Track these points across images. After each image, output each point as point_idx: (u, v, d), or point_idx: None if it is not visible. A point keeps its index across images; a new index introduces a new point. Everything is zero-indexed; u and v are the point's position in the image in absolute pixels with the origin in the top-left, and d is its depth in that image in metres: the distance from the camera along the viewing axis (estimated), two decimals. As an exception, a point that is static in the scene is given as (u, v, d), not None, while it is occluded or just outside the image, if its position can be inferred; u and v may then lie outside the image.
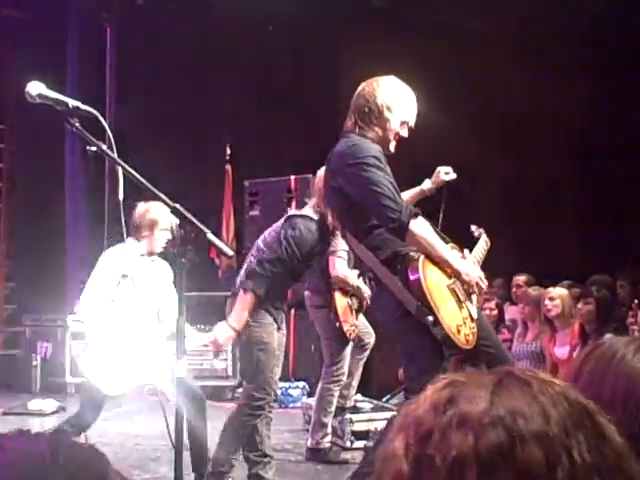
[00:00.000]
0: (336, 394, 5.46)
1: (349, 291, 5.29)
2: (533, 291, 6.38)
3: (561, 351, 5.60)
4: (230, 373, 8.63)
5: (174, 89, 9.31)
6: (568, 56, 10.61)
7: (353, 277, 5.22)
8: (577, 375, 1.25)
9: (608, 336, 4.91)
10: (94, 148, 2.15)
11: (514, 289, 7.38)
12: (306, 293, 5.68)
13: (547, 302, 5.67)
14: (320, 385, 5.49)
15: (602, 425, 0.78)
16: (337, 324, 5.20)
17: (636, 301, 4.77)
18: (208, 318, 8.73)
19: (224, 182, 9.51)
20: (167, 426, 2.38)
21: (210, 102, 10.18)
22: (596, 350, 1.28)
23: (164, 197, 2.10)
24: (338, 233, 5.27)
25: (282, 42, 9.56)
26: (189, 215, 2.09)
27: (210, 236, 2.13)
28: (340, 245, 5.24)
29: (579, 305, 5.11)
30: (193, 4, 9.18)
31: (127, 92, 9.40)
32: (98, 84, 9.46)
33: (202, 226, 2.10)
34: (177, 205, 2.09)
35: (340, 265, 5.21)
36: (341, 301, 5.25)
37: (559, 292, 5.65)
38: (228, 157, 9.38)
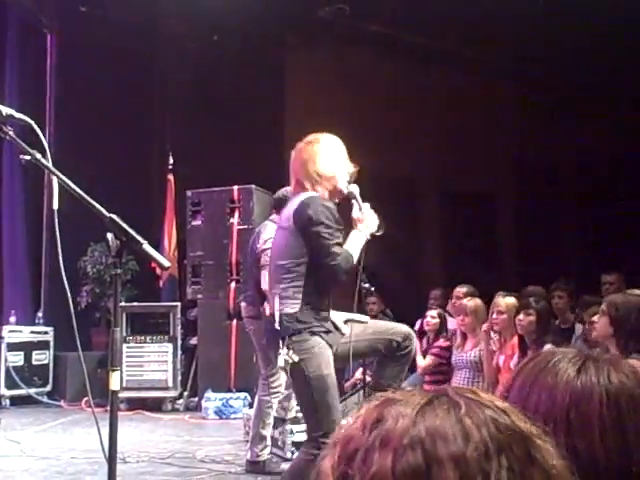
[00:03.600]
0: (274, 406, 5.44)
1: None
2: (469, 302, 6.47)
3: (501, 359, 5.71)
4: (170, 384, 8.54)
5: (116, 97, 9.21)
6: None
7: None
8: (510, 387, 1.23)
9: (548, 346, 5.02)
10: (28, 157, 2.11)
11: (454, 300, 7.46)
12: (242, 304, 5.68)
13: (495, 315, 5.76)
14: (257, 397, 5.47)
15: (536, 449, 0.76)
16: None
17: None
18: (148, 329, 8.65)
19: (166, 191, 9.43)
20: (100, 438, 2.33)
21: (153, 111, 10.10)
22: (531, 362, 1.26)
23: (99, 207, 2.07)
24: (270, 247, 5.29)
25: (227, 52, 9.55)
26: (125, 225, 2.07)
27: (146, 247, 2.11)
28: None
29: (520, 316, 5.18)
30: (137, 12, 9.11)
31: (68, 100, 9.26)
32: (38, 91, 9.31)
33: (138, 237, 2.07)
34: (113, 216, 2.07)
35: None
36: None
37: (508, 304, 5.73)
38: (171, 166, 9.30)
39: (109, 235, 2.07)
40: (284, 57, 10.26)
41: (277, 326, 3.59)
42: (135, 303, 8.80)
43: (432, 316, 6.94)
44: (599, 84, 10.06)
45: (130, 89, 9.35)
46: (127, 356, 8.39)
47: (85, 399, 8.53)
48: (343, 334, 3.77)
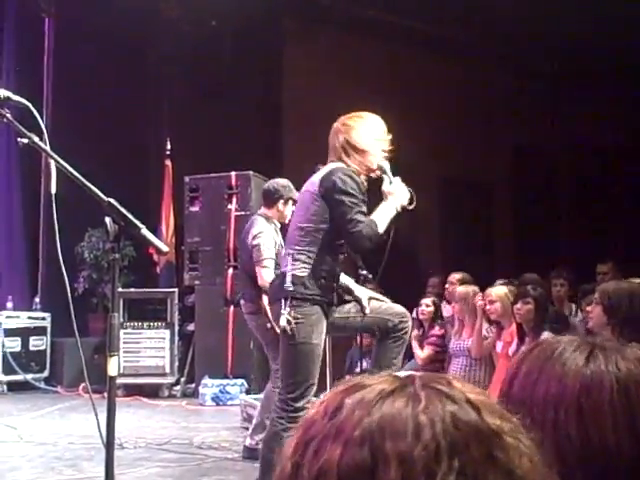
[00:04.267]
0: None
1: None
2: (459, 288, 6.48)
3: (498, 346, 5.72)
4: (167, 370, 8.55)
5: (114, 81, 9.16)
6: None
7: None
8: (514, 375, 1.21)
9: (546, 333, 5.03)
10: (25, 140, 2.09)
11: (448, 286, 7.47)
12: (241, 302, 5.66)
13: (488, 306, 5.76)
14: (268, 387, 5.45)
15: (500, 449, 0.71)
16: (269, 325, 5.19)
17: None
18: (145, 315, 8.65)
19: (164, 177, 9.40)
20: (98, 424, 2.32)
21: (151, 96, 10.06)
22: (535, 349, 1.24)
23: (98, 191, 2.05)
24: (261, 242, 5.28)
25: (225, 37, 9.50)
26: (124, 210, 2.05)
27: (144, 232, 2.09)
28: (265, 254, 5.23)
29: (518, 305, 5.18)
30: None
31: (65, 84, 9.21)
32: (35, 75, 9.26)
33: (137, 222, 2.05)
34: (111, 200, 2.05)
35: (267, 274, 5.21)
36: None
37: (498, 293, 5.74)
38: (168, 152, 9.26)
39: (107, 219, 2.04)
40: (282, 42, 10.21)
41: (286, 286, 3.63)
42: (132, 289, 8.78)
43: (426, 304, 6.92)
44: (599, 75, 10.04)
45: (128, 74, 9.30)
46: (124, 342, 8.38)
47: (82, 385, 8.54)
48: (365, 314, 3.82)
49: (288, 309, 3.61)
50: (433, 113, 10.54)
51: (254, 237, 5.31)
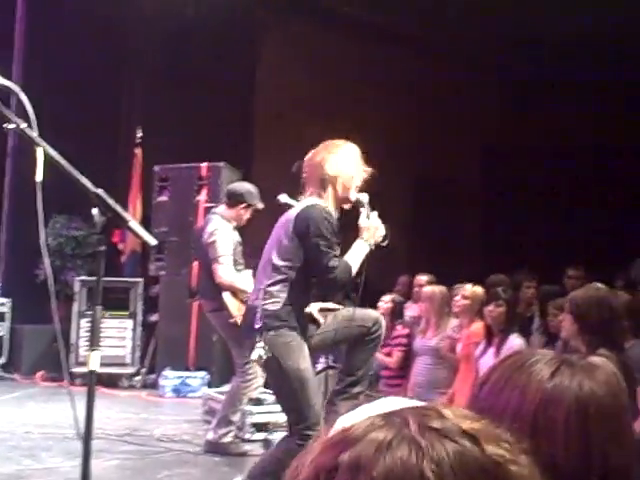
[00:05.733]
0: (248, 393, 5.40)
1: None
2: (426, 289, 6.53)
3: (459, 346, 5.77)
4: (128, 360, 8.46)
5: (85, 68, 9.01)
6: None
7: (240, 281, 5.19)
8: (485, 380, 1.22)
9: (514, 335, 5.08)
10: (12, 126, 2.04)
11: (416, 288, 7.52)
12: (202, 301, 5.63)
13: (458, 298, 5.80)
14: (233, 382, 5.43)
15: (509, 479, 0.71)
16: (232, 320, 5.17)
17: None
18: (108, 304, 8.53)
19: (132, 165, 9.28)
20: (75, 415, 2.28)
21: (122, 83, 9.93)
22: (510, 358, 1.25)
23: (86, 181, 2.01)
24: (217, 239, 5.25)
25: (198, 27, 9.41)
26: (111, 202, 2.01)
27: (132, 224, 2.06)
28: (220, 251, 5.21)
29: (490, 307, 5.21)
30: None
31: (35, 68, 9.04)
32: (4, 57, 9.06)
33: (124, 213, 2.02)
34: (100, 191, 2.01)
35: (223, 271, 5.19)
36: (232, 298, 5.20)
37: (475, 291, 5.78)
38: (139, 140, 9.15)
39: (94, 211, 2.01)
40: (255, 34, 10.15)
41: (259, 320, 3.60)
42: (95, 277, 8.66)
43: (385, 301, 6.94)
44: (568, 73, 10.15)
45: (99, 61, 9.16)
46: (85, 331, 8.28)
47: (40, 373, 8.41)
48: (319, 325, 3.79)
49: (262, 343, 3.56)
50: (402, 112, 10.58)
51: (210, 235, 5.29)
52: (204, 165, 8.21)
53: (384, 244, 3.72)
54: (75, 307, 8.40)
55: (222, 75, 9.37)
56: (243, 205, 5.40)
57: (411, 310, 7.39)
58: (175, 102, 9.26)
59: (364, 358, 3.90)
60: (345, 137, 3.86)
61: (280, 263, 3.66)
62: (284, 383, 3.61)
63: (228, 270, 5.19)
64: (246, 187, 5.55)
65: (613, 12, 8.40)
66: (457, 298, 5.81)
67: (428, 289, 6.44)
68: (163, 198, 8.39)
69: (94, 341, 2.13)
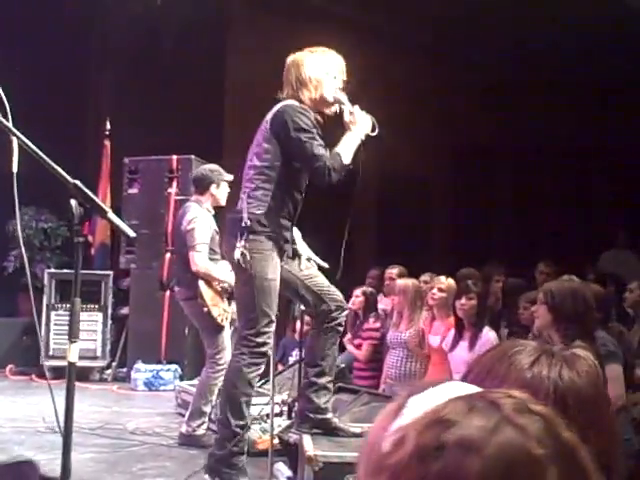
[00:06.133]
0: (219, 383, 5.40)
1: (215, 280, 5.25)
2: (399, 281, 6.54)
3: (434, 339, 5.78)
4: (99, 354, 8.40)
5: (52, 57, 8.89)
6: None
7: (215, 269, 5.18)
8: (469, 371, 1.23)
9: (486, 328, 5.13)
10: (-14, 116, 2.01)
11: (387, 282, 7.54)
12: (175, 288, 5.60)
13: (435, 291, 5.82)
14: (203, 373, 5.41)
15: (583, 462, 0.74)
16: (205, 309, 5.16)
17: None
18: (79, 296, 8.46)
19: (101, 157, 9.19)
20: (55, 409, 2.26)
21: (90, 74, 9.82)
22: (494, 349, 1.27)
23: (63, 172, 1.99)
24: (194, 227, 5.24)
25: (170, 18, 9.33)
26: (89, 193, 2.00)
27: (111, 215, 2.05)
28: (198, 239, 5.20)
29: (462, 300, 5.24)
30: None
31: (1, 54, 8.90)
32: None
33: (103, 205, 2.01)
34: (77, 182, 1.99)
35: (199, 259, 5.18)
36: (207, 288, 5.20)
37: (450, 284, 5.80)
38: (108, 132, 9.05)
39: (72, 202, 1.99)
40: (226, 26, 10.09)
41: (242, 222, 3.65)
42: (65, 270, 8.58)
43: (356, 295, 6.94)
44: (535, 69, 10.24)
45: (69, 51, 9.05)
46: (55, 324, 8.21)
47: (10, 367, 8.31)
48: (301, 269, 3.85)
49: (243, 242, 3.62)
50: (373, 108, 10.58)
51: (189, 222, 5.28)
52: (174, 157, 8.16)
53: (374, 133, 3.74)
54: (45, 300, 8.32)
55: (191, 66, 9.30)
56: (213, 185, 5.38)
57: (382, 303, 7.41)
58: (145, 94, 9.18)
59: (325, 347, 3.93)
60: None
61: (259, 164, 3.71)
62: (247, 287, 3.69)
63: (204, 258, 5.19)
64: (207, 168, 5.55)
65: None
66: (434, 291, 5.82)
67: (401, 282, 6.44)
68: (133, 190, 8.32)
69: (73, 333, 2.11)
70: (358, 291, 7.01)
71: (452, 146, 11.59)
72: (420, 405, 0.76)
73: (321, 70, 3.73)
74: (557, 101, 10.45)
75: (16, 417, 6.07)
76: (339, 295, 4.03)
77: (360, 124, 3.70)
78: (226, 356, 5.30)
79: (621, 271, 7.91)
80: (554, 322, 3.43)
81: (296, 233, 4.00)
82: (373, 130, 3.72)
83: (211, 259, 5.25)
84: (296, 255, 3.89)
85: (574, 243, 9.94)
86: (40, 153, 2.02)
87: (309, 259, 3.99)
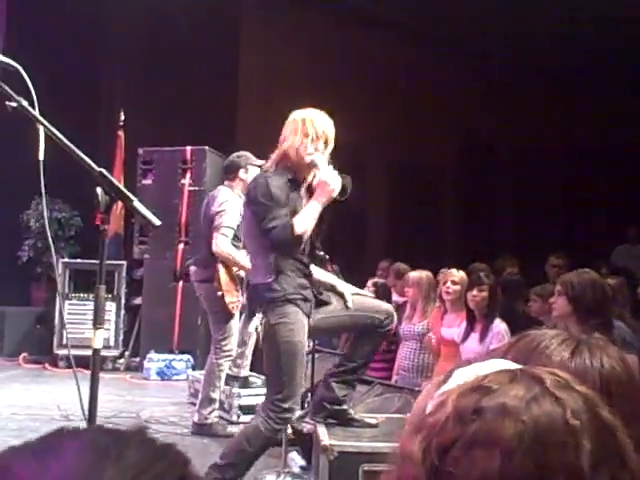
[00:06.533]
0: (226, 369, 5.44)
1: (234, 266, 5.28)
2: (413, 273, 6.53)
3: (448, 332, 5.78)
4: (112, 343, 8.45)
5: (66, 49, 8.92)
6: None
7: (238, 255, 5.20)
8: None
9: (497, 321, 5.13)
10: (14, 104, 2.03)
11: (392, 279, 7.56)
12: (192, 268, 5.62)
13: (449, 284, 5.81)
14: (209, 360, 5.45)
15: (624, 449, 0.75)
16: (219, 294, 5.19)
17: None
18: (91, 286, 8.50)
19: (115, 148, 9.22)
20: (80, 397, 2.29)
21: (104, 65, 9.85)
22: (520, 341, 1.27)
23: (88, 160, 2.01)
24: (225, 209, 5.28)
25: (181, 9, 9.34)
26: (115, 181, 2.01)
27: (137, 204, 2.07)
28: (226, 222, 5.23)
29: (474, 292, 5.25)
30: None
31: (16, 51, 8.91)
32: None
33: (129, 193, 2.03)
34: (103, 170, 2.01)
35: (222, 242, 5.21)
36: (225, 274, 5.23)
37: (462, 276, 5.80)
38: (122, 123, 9.08)
39: (99, 190, 2.01)
40: (240, 17, 10.10)
41: (256, 296, 3.71)
42: (79, 260, 8.63)
43: (367, 287, 6.93)
44: (542, 66, 10.21)
45: (81, 42, 9.06)
46: (69, 313, 8.25)
47: (23, 355, 8.38)
48: (348, 307, 3.82)
49: (260, 315, 3.65)
50: (385, 96, 10.58)
51: (220, 204, 5.32)
52: (188, 149, 8.18)
53: (343, 198, 3.71)
54: (59, 289, 8.37)
55: (206, 57, 9.32)
56: (241, 170, 5.42)
57: (395, 295, 7.42)
58: (157, 85, 9.20)
59: (370, 349, 3.94)
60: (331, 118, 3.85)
61: (252, 236, 3.80)
62: (275, 352, 3.66)
63: (227, 242, 5.22)
64: (236, 154, 5.60)
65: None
66: (448, 284, 5.82)
67: (415, 274, 6.43)
68: (147, 181, 8.35)
69: (98, 320, 2.13)
70: (369, 283, 7.03)
71: (464, 138, 11.59)
72: (465, 375, 0.79)
73: (297, 136, 3.72)
74: (566, 94, 10.41)
75: (31, 404, 6.13)
76: (386, 305, 4.12)
77: (325, 189, 3.64)
78: (232, 343, 5.34)
79: (633, 265, 7.97)
80: (574, 312, 3.44)
81: (331, 276, 3.99)
82: (343, 194, 3.70)
83: (234, 245, 5.28)
84: (325, 303, 3.86)
85: (582, 238, 9.94)
86: (66, 141, 2.04)
87: (353, 294, 3.97)
